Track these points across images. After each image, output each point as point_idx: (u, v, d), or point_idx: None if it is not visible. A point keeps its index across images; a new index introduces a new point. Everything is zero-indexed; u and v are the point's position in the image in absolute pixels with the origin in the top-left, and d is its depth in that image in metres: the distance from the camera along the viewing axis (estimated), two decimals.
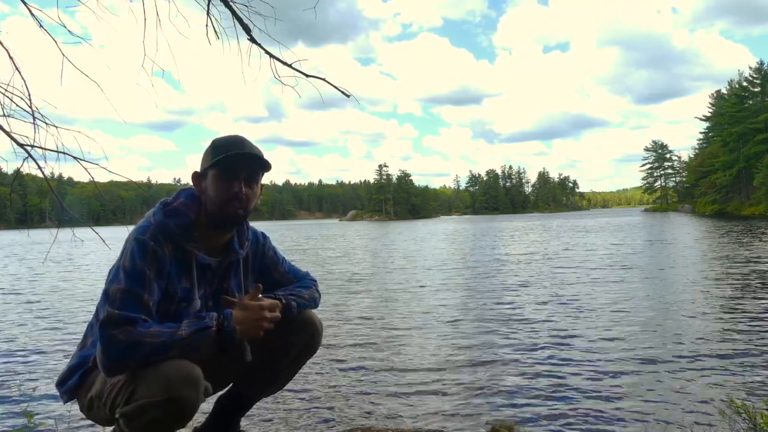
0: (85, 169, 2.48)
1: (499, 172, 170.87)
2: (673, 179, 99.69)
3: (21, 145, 2.49)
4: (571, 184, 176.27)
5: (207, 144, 1.71)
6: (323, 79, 2.68)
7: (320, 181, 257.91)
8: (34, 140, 2.45)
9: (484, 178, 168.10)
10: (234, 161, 1.63)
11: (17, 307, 8.90)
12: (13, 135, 2.48)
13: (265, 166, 1.69)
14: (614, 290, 8.46)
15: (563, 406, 3.52)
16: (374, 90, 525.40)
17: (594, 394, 3.72)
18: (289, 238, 36.04)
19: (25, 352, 5.58)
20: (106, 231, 3.72)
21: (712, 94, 74.62)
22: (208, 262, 1.71)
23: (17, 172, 2.78)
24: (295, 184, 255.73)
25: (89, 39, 2.40)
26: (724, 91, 71.08)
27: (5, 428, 3.31)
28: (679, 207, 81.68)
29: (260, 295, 1.89)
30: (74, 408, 1.76)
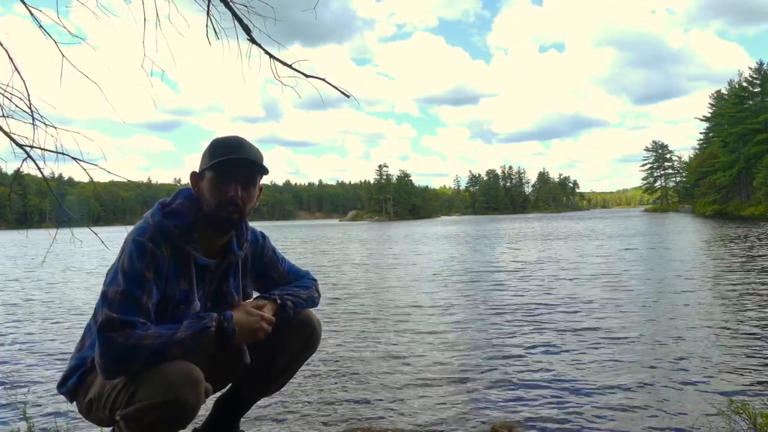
0: (84, 169, 2.48)
1: (499, 172, 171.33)
2: (673, 179, 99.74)
3: (20, 146, 2.50)
4: (571, 185, 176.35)
5: (205, 144, 1.70)
6: (323, 80, 2.68)
7: (320, 182, 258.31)
8: (34, 141, 2.45)
9: (485, 179, 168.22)
10: (231, 165, 1.62)
11: (15, 307, 8.89)
12: (12, 135, 2.48)
13: (263, 170, 1.69)
14: (615, 292, 8.45)
15: (563, 406, 3.52)
16: (371, 90, 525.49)
17: (593, 394, 3.72)
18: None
19: (23, 353, 5.58)
20: (106, 231, 3.72)
21: (712, 94, 74.69)
22: (207, 264, 1.70)
23: (17, 172, 2.79)
24: (295, 184, 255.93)
25: (85, 39, 2.40)
26: (723, 91, 71.14)
27: (3, 430, 3.30)
28: (679, 207, 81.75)
29: (256, 294, 1.89)
30: (72, 409, 1.76)
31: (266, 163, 1.70)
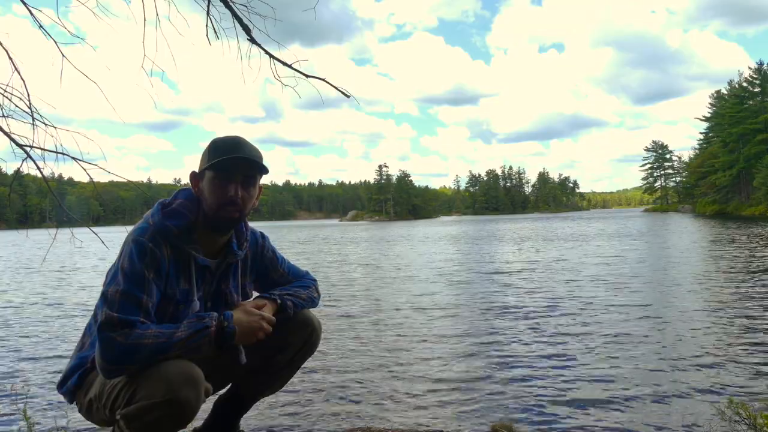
0: (84, 169, 2.48)
1: (499, 172, 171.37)
2: (673, 180, 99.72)
3: (20, 146, 2.50)
4: (571, 185, 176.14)
5: (204, 144, 1.71)
6: (323, 80, 2.68)
7: (320, 182, 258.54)
8: (33, 141, 2.45)
9: (484, 179, 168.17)
10: (231, 164, 1.62)
11: (15, 307, 8.89)
12: (12, 135, 2.48)
13: (262, 169, 1.69)
14: (616, 293, 8.45)
15: (562, 406, 3.52)
16: (371, 90, 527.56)
17: (593, 394, 3.72)
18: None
19: (22, 353, 5.57)
20: (106, 231, 3.72)
21: (712, 95, 74.73)
22: (207, 264, 1.70)
23: (17, 172, 2.79)
24: (295, 184, 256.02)
25: (83, 38, 2.40)
26: (723, 91, 71.17)
27: (4, 430, 3.30)
28: (679, 207, 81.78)
29: (256, 294, 1.89)
30: (72, 409, 1.76)
31: (266, 162, 1.70)
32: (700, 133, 79.87)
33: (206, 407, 1.84)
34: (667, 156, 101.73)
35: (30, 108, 2.43)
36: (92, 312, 1.68)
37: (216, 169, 1.62)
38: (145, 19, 2.34)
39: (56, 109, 2.59)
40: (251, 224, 1.89)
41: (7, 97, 2.39)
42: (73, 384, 1.67)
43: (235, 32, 2.58)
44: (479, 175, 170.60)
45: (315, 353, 2.03)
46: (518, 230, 36.18)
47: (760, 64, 62.00)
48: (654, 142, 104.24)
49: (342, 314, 7.31)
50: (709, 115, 74.99)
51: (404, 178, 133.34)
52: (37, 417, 3.44)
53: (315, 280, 2.04)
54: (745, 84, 64.13)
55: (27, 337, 6.41)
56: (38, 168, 2.54)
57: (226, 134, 1.72)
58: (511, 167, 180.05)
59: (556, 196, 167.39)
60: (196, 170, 1.70)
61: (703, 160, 70.53)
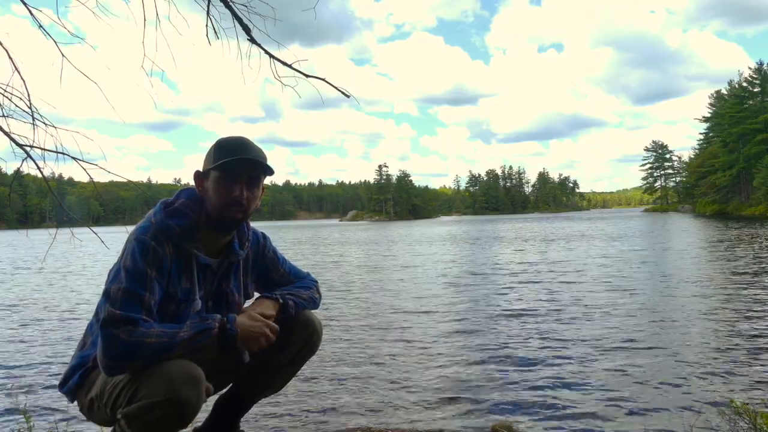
0: (84, 169, 2.48)
1: (499, 172, 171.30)
2: (673, 179, 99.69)
3: (20, 146, 2.49)
4: (571, 185, 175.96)
5: (205, 145, 1.71)
6: (323, 80, 2.67)
7: (320, 182, 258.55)
8: (34, 140, 2.44)
9: (484, 179, 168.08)
10: (236, 165, 1.62)
11: (15, 307, 8.89)
12: (12, 135, 2.48)
13: (267, 170, 1.69)
14: (617, 294, 8.45)
15: (563, 406, 3.52)
16: (371, 90, 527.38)
17: (594, 394, 3.72)
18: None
19: (23, 353, 5.57)
20: (106, 231, 3.72)
21: (712, 95, 74.70)
22: (209, 263, 1.70)
23: (17, 172, 2.78)
24: (295, 184, 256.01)
25: (83, 38, 2.40)
26: (723, 91, 71.16)
27: (4, 431, 3.30)
28: (679, 207, 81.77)
29: (257, 294, 1.89)
30: (72, 409, 1.76)
31: (270, 163, 1.70)
32: (700, 133, 79.94)
33: (207, 407, 1.84)
34: (667, 156, 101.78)
35: (30, 108, 2.42)
36: (93, 311, 1.68)
37: (221, 170, 1.63)
38: (145, 19, 2.34)
39: (56, 109, 2.58)
40: (252, 224, 1.89)
41: (7, 97, 2.39)
42: (74, 383, 1.66)
43: (235, 32, 2.57)
44: (479, 175, 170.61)
45: (315, 354, 2.03)
46: (519, 230, 36.17)
47: (760, 64, 62.03)
48: (654, 142, 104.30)
49: (342, 316, 7.31)
50: (709, 115, 74.94)
51: (404, 178, 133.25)
52: (38, 417, 3.44)
53: (316, 281, 2.04)
54: (745, 84, 64.13)
55: (27, 336, 6.41)
56: (38, 168, 2.53)
57: (230, 135, 1.73)
58: (511, 167, 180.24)
59: (556, 196, 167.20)
60: (200, 170, 1.71)
61: (703, 160, 70.51)
